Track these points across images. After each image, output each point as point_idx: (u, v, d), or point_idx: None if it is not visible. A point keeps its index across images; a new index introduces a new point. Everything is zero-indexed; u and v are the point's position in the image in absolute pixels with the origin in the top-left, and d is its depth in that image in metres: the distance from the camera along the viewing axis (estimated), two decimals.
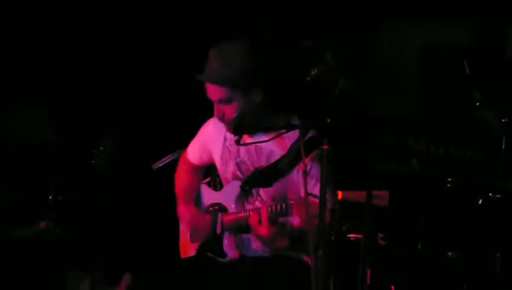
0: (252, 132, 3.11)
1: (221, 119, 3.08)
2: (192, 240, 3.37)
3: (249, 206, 3.13)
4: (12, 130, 4.29)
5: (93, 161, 3.83)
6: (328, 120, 2.52)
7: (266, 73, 3.04)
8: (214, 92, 3.03)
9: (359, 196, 2.64)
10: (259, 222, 2.94)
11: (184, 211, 3.46)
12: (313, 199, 2.65)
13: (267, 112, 3.08)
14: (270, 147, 3.08)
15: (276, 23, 4.26)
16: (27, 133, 4.32)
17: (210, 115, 3.17)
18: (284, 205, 2.91)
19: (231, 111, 3.03)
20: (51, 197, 4.09)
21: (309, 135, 2.79)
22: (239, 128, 3.06)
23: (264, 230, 2.93)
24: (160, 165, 3.62)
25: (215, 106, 3.07)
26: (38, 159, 4.27)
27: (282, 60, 3.51)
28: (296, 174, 3.02)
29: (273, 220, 2.93)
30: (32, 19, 4.39)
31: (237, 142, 3.11)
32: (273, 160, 3.06)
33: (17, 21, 4.38)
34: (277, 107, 3.11)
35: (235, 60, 2.98)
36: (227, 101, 3.02)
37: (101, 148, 3.86)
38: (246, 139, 3.14)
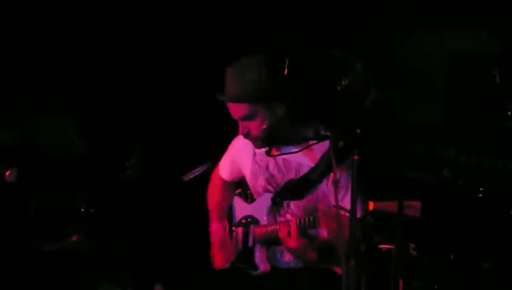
0: (280, 144, 3.10)
1: (247, 136, 3.07)
2: (217, 264, 3.37)
3: (280, 219, 3.12)
4: (42, 142, 4.32)
5: (124, 173, 3.87)
6: (358, 131, 2.51)
7: (288, 85, 3.01)
8: (235, 110, 3.02)
9: (391, 206, 2.63)
10: (289, 234, 2.94)
11: (216, 229, 3.44)
12: (342, 211, 2.64)
13: (293, 124, 3.08)
14: (298, 160, 3.07)
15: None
16: (57, 146, 4.34)
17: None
18: (312, 218, 2.91)
19: (256, 127, 3.02)
20: (82, 210, 4.11)
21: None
22: (268, 140, 3.07)
23: (293, 242, 2.93)
24: (191, 177, 3.63)
25: (240, 124, 3.06)
26: (69, 172, 4.29)
27: (309, 70, 3.50)
28: (326, 185, 3.01)
29: (302, 232, 2.93)
30: (64, 29, 4.43)
31: (267, 153, 3.11)
32: (302, 172, 3.05)
33: (47, 31, 4.42)
34: (304, 118, 3.11)
35: (252, 76, 2.95)
36: (250, 117, 3.01)
37: (132, 160, 3.90)
38: (274, 152, 3.13)
